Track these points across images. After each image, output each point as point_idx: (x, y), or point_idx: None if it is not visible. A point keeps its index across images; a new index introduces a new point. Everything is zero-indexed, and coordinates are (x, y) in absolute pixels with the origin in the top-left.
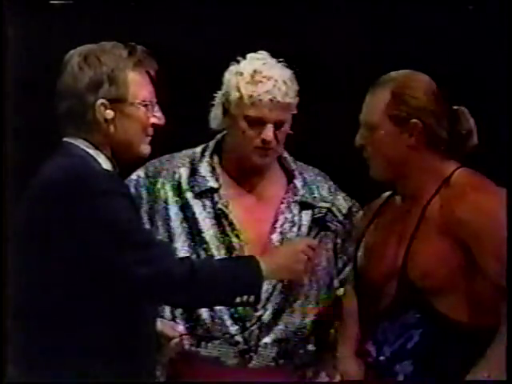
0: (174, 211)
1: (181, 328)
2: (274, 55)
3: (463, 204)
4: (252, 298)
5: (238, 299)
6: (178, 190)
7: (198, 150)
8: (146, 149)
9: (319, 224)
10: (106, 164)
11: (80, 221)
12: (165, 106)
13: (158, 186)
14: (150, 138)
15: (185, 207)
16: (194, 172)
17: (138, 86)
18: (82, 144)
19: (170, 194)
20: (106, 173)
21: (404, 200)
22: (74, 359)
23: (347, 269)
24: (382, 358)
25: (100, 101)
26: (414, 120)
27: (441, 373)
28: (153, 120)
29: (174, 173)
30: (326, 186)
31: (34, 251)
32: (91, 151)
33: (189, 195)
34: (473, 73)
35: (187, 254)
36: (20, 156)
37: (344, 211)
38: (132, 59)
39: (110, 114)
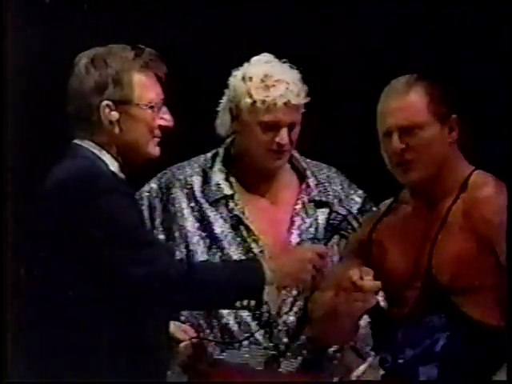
0: (189, 220)
1: (192, 331)
2: (280, 56)
3: (490, 206)
4: (253, 303)
5: (237, 303)
6: (192, 199)
7: (209, 156)
8: (154, 150)
9: (333, 230)
10: (112, 164)
11: (83, 219)
12: (175, 108)
13: (172, 196)
14: (158, 139)
15: (200, 216)
16: (206, 180)
17: (144, 87)
18: (88, 145)
19: (185, 203)
20: (109, 173)
21: (417, 203)
22: (76, 359)
23: None
24: (401, 361)
25: (105, 102)
26: (454, 115)
27: (467, 376)
28: (160, 122)
29: (187, 182)
30: (338, 181)
31: (45, 250)
32: (97, 152)
33: (203, 203)
34: (473, 73)
35: None
36: (20, 157)
37: (356, 214)
38: (138, 61)
39: (114, 115)
